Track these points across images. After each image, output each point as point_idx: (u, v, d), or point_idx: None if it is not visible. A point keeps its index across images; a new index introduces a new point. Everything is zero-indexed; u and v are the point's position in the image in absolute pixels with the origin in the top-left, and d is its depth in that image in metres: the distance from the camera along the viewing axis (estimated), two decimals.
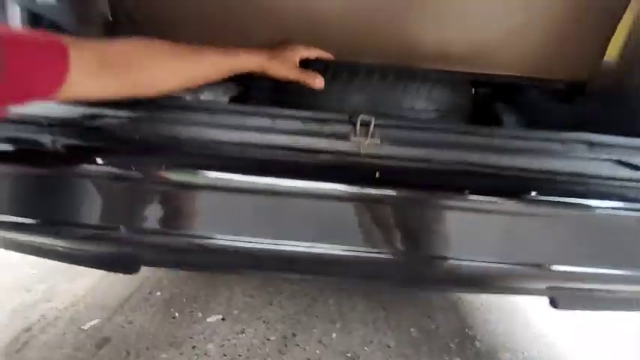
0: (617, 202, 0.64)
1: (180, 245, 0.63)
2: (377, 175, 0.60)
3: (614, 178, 0.68)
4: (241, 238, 0.61)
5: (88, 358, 0.95)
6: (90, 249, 0.68)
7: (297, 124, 0.67)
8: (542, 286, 0.70)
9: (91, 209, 0.61)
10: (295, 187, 0.60)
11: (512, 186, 0.64)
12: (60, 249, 0.68)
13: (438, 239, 0.63)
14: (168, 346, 1.02)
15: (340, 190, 0.60)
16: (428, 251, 0.64)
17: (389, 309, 1.28)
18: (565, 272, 0.63)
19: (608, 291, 0.69)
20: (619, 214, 0.64)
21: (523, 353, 1.16)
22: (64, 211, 0.60)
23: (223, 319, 1.16)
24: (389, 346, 1.11)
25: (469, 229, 0.63)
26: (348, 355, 1.06)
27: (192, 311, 1.17)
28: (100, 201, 0.61)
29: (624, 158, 0.70)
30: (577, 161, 0.69)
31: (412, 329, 1.20)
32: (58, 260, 0.74)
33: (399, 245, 0.63)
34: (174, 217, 0.63)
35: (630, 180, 0.67)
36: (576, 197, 0.64)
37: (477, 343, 1.18)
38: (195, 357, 0.99)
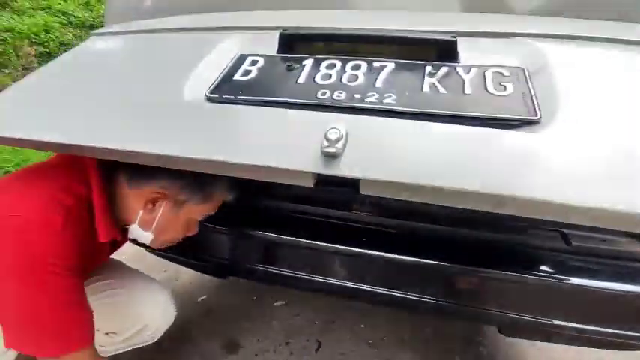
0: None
1: (246, 267, 1.08)
2: (363, 239, 0.95)
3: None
4: (283, 268, 1.03)
5: (200, 321, 1.51)
6: (203, 264, 1.17)
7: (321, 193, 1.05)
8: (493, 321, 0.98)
9: (206, 246, 1.09)
10: (319, 244, 0.98)
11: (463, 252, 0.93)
12: (187, 262, 1.20)
13: (400, 278, 0.96)
14: (248, 318, 1.52)
15: (342, 247, 0.96)
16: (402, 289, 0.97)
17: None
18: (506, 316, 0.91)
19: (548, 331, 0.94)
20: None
21: None
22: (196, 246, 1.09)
23: (286, 303, 1.62)
24: (403, 340, 1.46)
25: (429, 278, 0.95)
26: (370, 342, 1.44)
27: (264, 296, 1.66)
28: (210, 243, 1.09)
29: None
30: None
31: (427, 329, 1.52)
32: (185, 266, 1.27)
33: (381, 283, 0.98)
34: (238, 252, 1.07)
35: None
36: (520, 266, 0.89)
37: (481, 348, 1.45)
38: (264, 329, 1.48)
